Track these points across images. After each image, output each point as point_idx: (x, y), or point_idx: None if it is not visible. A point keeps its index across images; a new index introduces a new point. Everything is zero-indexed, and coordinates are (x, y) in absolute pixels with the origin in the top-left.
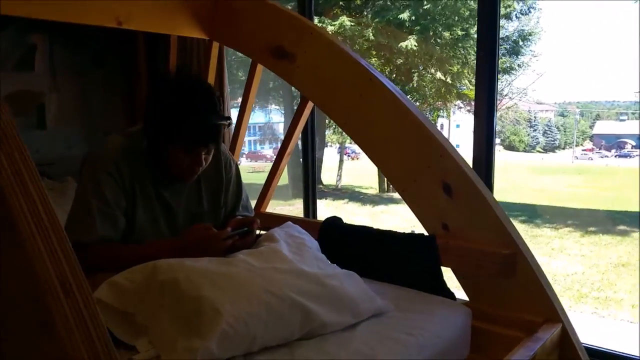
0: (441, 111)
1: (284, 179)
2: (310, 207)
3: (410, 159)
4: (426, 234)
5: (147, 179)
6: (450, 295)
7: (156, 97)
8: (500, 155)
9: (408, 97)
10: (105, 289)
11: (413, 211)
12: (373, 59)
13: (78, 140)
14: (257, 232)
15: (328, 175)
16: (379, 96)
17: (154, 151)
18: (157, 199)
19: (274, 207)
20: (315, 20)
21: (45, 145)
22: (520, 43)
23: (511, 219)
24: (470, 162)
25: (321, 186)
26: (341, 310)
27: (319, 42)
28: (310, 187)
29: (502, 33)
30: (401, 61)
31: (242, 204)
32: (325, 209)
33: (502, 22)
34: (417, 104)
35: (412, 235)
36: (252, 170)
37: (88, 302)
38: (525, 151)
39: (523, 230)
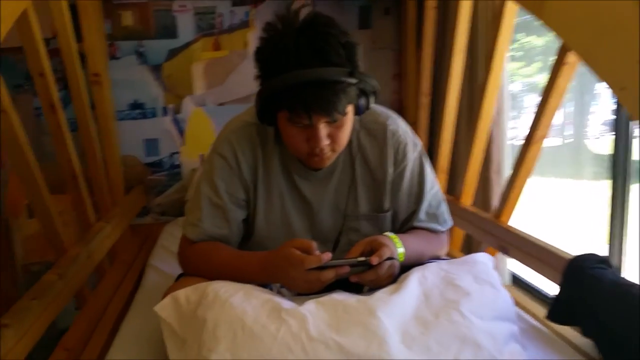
0: None
1: None
2: (618, 200)
3: None
4: None
5: (276, 165)
6: None
7: (257, 49)
8: None
9: None
10: (168, 304)
11: None
12: None
13: None
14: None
15: None
16: None
17: (264, 121)
18: (290, 190)
19: None
20: None
21: None
22: None
23: None
24: None
25: None
26: None
27: None
28: (622, 171)
29: None
30: None
31: (423, 209)
32: None
33: None
34: None
35: None
36: None
37: None
38: None
39: None
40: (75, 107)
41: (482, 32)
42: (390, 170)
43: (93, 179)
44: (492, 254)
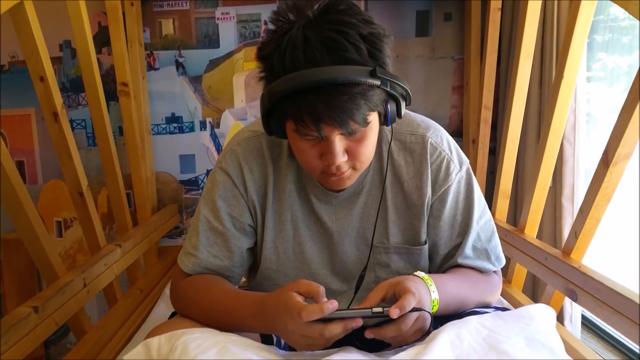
0: None
1: None
2: None
3: None
4: None
5: (290, 184)
6: None
7: (260, 44)
8: None
9: None
10: (139, 354)
11: None
12: None
13: None
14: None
15: None
16: None
17: (271, 133)
18: (306, 215)
19: None
20: None
21: None
22: None
23: None
24: None
25: None
26: None
27: None
28: None
29: None
30: None
31: (469, 242)
32: None
33: None
34: None
35: None
36: None
37: None
38: None
39: None
40: (92, 117)
41: (551, 35)
42: (429, 192)
43: (111, 196)
44: (559, 299)
